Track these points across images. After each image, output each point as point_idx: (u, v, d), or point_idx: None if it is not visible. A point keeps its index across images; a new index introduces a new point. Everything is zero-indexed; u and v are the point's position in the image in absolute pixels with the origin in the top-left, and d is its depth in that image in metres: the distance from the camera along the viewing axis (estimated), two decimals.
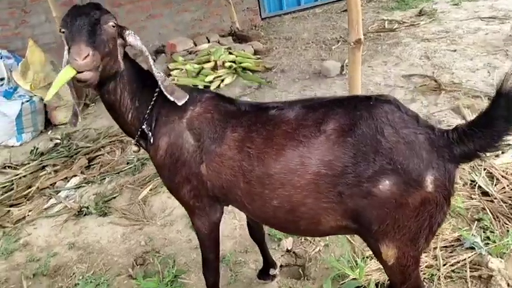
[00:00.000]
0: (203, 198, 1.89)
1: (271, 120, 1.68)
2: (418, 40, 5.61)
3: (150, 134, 1.87)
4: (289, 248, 2.79)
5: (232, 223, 3.03)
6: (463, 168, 3.00)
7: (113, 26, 1.68)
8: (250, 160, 1.66)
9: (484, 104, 3.76)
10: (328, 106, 1.61)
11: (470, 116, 3.62)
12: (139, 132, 1.89)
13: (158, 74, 1.80)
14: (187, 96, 1.81)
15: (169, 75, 5.62)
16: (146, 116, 1.86)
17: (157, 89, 1.85)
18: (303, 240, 2.81)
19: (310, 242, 2.79)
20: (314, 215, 1.61)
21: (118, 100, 1.81)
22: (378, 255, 1.61)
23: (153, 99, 1.86)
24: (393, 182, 1.43)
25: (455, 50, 5.04)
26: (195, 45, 6.52)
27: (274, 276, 2.57)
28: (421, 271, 2.37)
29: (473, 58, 4.74)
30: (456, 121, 3.65)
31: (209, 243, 2.07)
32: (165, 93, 1.77)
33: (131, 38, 1.78)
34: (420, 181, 1.43)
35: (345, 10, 7.64)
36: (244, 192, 1.72)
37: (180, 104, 1.78)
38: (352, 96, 1.67)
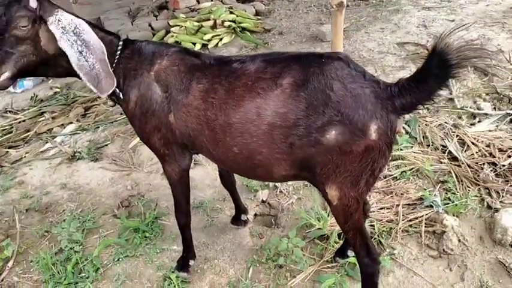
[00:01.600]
0: (172, 146, 2.02)
1: (234, 72, 1.79)
2: (418, 8, 5.58)
3: (118, 90, 1.97)
4: (264, 199, 2.97)
5: (214, 173, 3.20)
6: (436, 133, 3.12)
7: (23, 27, 1.70)
8: (213, 110, 1.78)
9: (469, 73, 3.82)
10: (286, 61, 1.72)
11: (454, 85, 3.70)
12: None
13: (80, 67, 1.80)
14: (113, 87, 1.88)
15: (169, 31, 5.69)
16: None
17: (119, 48, 1.96)
18: (277, 192, 2.99)
19: (284, 194, 2.97)
20: (268, 164, 1.76)
21: (73, 69, 1.83)
22: (324, 196, 1.78)
23: (116, 57, 1.95)
24: (339, 131, 1.58)
25: (453, 20, 5.03)
26: (198, 2, 6.54)
27: (245, 221, 2.76)
28: (381, 225, 2.55)
29: (469, 29, 4.74)
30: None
31: (180, 188, 2.22)
32: (88, 85, 1.83)
33: (53, 28, 1.75)
34: (365, 130, 1.57)
35: None
36: (209, 139, 1.85)
37: (102, 96, 1.89)
38: (308, 53, 1.79)
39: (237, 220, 2.77)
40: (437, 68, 1.47)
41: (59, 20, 1.76)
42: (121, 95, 1.99)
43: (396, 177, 2.88)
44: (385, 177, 2.91)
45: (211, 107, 1.79)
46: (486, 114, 3.29)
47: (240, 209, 2.75)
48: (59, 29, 1.75)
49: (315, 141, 1.61)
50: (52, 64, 1.87)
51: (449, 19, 5.08)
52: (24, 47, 1.74)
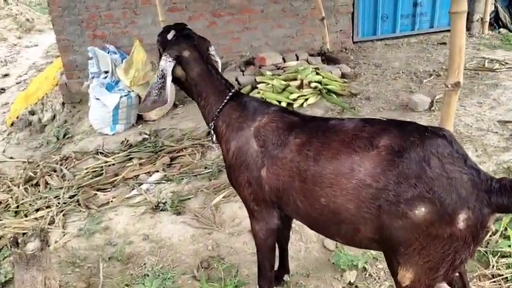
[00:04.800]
0: (261, 203, 2.11)
1: (331, 128, 1.89)
2: None
3: (213, 132, 2.27)
4: (351, 281, 2.75)
5: (298, 245, 3.05)
6: None
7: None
8: (307, 161, 1.85)
9: None
10: (385, 125, 1.77)
11: None
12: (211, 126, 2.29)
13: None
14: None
15: (255, 87, 5.80)
16: (214, 117, 2.23)
17: (227, 97, 2.20)
18: (367, 275, 2.77)
19: (375, 279, 2.74)
20: (354, 221, 1.74)
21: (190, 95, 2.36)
22: (394, 274, 1.70)
23: (222, 104, 2.20)
24: (428, 210, 1.53)
25: None
26: (284, 61, 6.66)
27: (286, 282, 2.69)
28: None
29: None
30: None
31: (266, 249, 2.26)
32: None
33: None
34: (453, 217, 1.52)
35: (443, 43, 7.38)
36: (298, 190, 1.89)
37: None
38: (410, 123, 1.78)
39: (278, 279, 2.68)
40: None
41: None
42: (214, 138, 2.29)
43: (507, 278, 2.56)
44: (493, 276, 2.60)
45: (305, 158, 1.86)
46: None
47: (285, 269, 2.73)
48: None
49: (402, 213, 1.57)
50: None
51: None
52: None
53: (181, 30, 2.31)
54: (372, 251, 2.80)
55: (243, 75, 6.37)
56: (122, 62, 5.53)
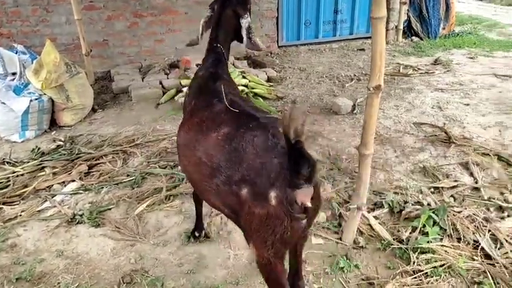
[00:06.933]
0: None
1: (206, 107, 2.17)
2: (431, 89, 5.62)
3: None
4: None
5: (226, 252, 2.95)
6: (467, 227, 2.94)
7: None
8: (182, 130, 2.27)
9: (493, 163, 3.73)
10: (237, 114, 2.00)
11: (479, 174, 3.58)
12: None
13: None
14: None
15: (180, 91, 5.62)
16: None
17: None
18: None
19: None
20: (203, 191, 2.07)
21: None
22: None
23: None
24: (248, 191, 1.77)
25: (468, 104, 5.04)
26: None
27: (197, 237, 3.08)
28: None
29: (486, 115, 4.74)
30: (464, 177, 3.61)
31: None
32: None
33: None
34: (265, 195, 1.71)
35: (362, 49, 7.73)
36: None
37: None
38: (251, 115, 1.98)
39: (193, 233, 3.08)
40: (289, 149, 1.54)
41: None
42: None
43: (427, 273, 2.66)
44: (414, 272, 2.69)
45: (182, 128, 2.28)
46: None
47: (199, 226, 3.08)
48: None
49: (235, 192, 1.81)
50: None
51: (464, 103, 5.09)
52: None
53: None
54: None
55: (168, 78, 6.16)
56: (32, 63, 5.06)
